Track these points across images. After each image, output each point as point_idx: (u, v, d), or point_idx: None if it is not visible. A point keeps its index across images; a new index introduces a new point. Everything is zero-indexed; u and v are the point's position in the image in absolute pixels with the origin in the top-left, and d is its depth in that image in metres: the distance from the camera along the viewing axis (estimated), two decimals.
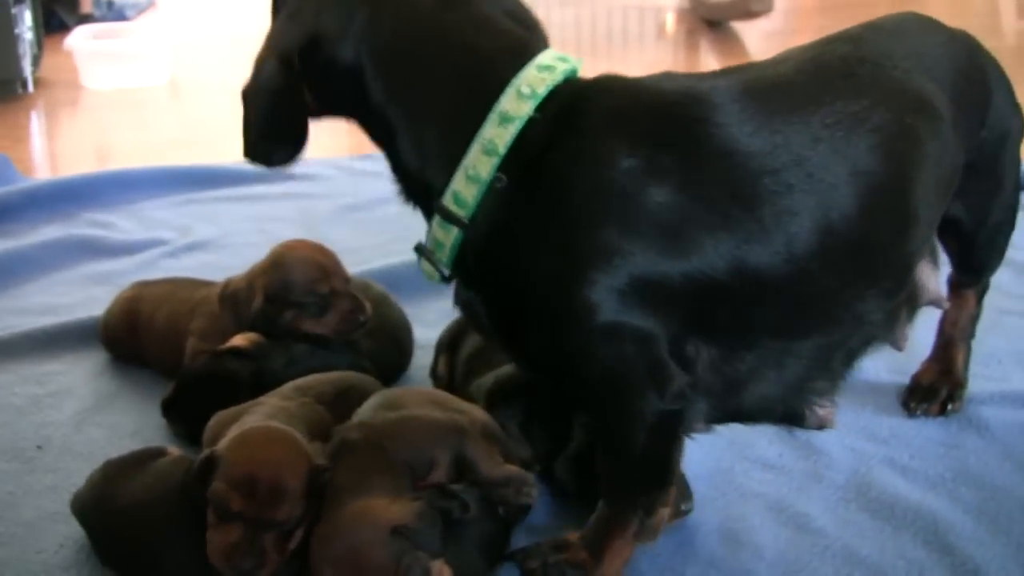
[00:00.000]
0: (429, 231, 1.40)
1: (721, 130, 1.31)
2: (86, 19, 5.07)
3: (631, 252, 1.28)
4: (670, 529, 1.53)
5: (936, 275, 1.69)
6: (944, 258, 1.75)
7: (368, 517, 1.35)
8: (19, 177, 3.16)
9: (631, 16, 5.61)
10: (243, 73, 1.43)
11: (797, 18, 5.57)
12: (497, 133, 1.32)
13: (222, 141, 3.51)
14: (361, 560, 1.31)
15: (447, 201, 1.35)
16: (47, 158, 3.68)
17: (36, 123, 3.99)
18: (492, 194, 1.34)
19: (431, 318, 2.13)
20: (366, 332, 1.92)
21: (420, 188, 1.41)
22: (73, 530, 1.59)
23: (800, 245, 1.32)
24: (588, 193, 1.30)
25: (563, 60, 1.37)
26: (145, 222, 2.90)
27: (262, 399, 1.64)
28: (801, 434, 1.80)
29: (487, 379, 1.70)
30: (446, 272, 1.42)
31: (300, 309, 1.87)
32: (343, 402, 1.67)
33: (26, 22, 4.13)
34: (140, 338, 2.07)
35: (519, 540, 1.55)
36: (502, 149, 1.32)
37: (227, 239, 2.76)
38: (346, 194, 3.06)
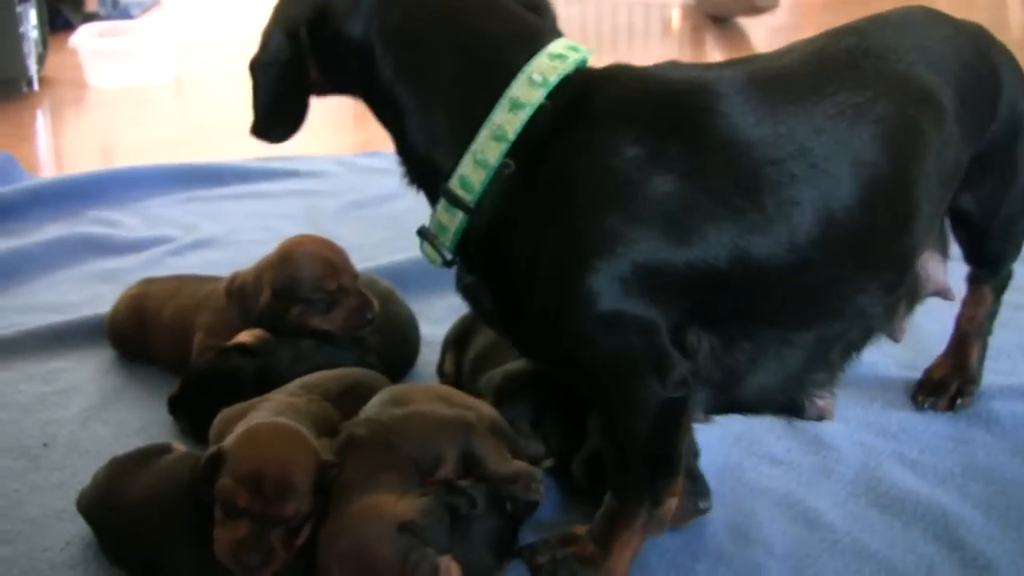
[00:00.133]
0: (433, 214, 1.40)
1: (725, 119, 1.31)
2: (91, 17, 5.08)
3: (634, 240, 1.27)
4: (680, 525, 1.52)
5: (944, 267, 1.68)
6: (958, 253, 1.75)
7: (375, 513, 1.34)
8: (24, 175, 3.16)
9: (637, 12, 5.61)
10: (248, 72, 1.42)
11: (802, 14, 5.56)
12: (507, 119, 1.32)
13: (227, 139, 3.51)
14: (368, 556, 1.31)
15: (454, 185, 1.35)
16: (52, 156, 3.68)
17: (41, 121, 3.99)
18: (499, 180, 1.34)
19: (437, 314, 2.13)
20: (373, 328, 1.91)
21: (426, 170, 1.40)
22: (79, 527, 1.58)
23: (802, 235, 1.32)
24: (593, 181, 1.30)
25: (574, 49, 1.37)
26: (150, 220, 2.89)
27: (269, 395, 1.64)
28: (810, 429, 1.79)
29: (496, 374, 1.70)
30: (448, 256, 1.41)
31: (307, 305, 1.87)
32: (350, 398, 1.66)
33: (31, 20, 4.13)
34: (146, 335, 2.07)
35: (527, 536, 1.54)
36: (511, 135, 1.32)
37: (232, 236, 2.76)
38: (352, 191, 3.05)
